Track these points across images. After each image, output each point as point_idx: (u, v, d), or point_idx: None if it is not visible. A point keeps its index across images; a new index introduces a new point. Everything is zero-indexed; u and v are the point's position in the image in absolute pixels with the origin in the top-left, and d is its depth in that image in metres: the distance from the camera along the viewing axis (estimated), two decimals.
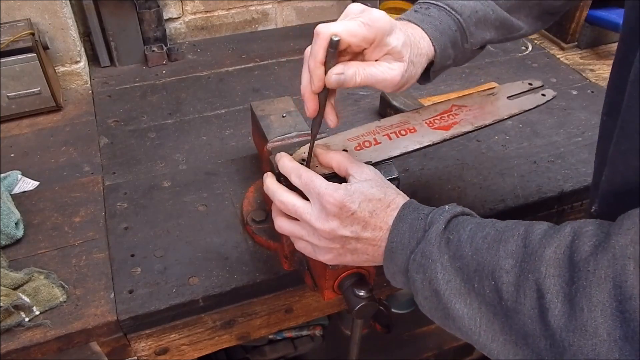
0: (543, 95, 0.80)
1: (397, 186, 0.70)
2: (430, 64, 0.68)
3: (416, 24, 0.66)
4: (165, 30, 1.37)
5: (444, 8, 0.68)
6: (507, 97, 0.79)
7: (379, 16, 0.57)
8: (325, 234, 0.59)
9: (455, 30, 0.67)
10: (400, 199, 0.60)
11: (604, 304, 0.40)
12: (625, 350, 0.39)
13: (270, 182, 0.66)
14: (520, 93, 0.80)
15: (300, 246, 0.65)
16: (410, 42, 0.61)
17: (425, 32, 0.65)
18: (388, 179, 0.69)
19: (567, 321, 0.42)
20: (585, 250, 0.44)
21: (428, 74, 0.69)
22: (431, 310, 0.55)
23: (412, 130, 0.73)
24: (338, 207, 0.58)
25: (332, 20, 0.60)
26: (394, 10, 1.59)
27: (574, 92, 1.28)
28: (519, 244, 0.49)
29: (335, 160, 0.64)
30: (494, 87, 0.83)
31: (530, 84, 0.81)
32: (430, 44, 0.65)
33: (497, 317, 0.48)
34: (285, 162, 0.65)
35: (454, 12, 0.67)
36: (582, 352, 0.41)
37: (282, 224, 0.65)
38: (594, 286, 0.41)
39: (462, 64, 0.75)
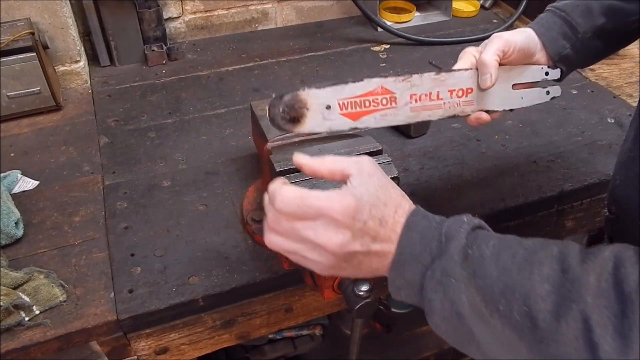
0: (547, 93, 0.80)
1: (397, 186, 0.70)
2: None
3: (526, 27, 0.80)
4: (165, 30, 1.37)
5: (550, 10, 0.81)
6: (513, 85, 0.77)
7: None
8: (334, 249, 0.52)
9: (562, 24, 0.78)
10: (405, 202, 0.56)
11: None
12: None
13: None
14: (529, 83, 0.79)
15: (294, 258, 0.57)
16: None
17: (531, 28, 0.79)
18: None
19: (622, 357, 0.41)
20: (634, 280, 0.42)
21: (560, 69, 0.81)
22: (448, 332, 0.52)
23: (393, 102, 0.70)
24: (350, 216, 0.51)
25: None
26: (394, 10, 1.59)
27: (574, 92, 1.28)
28: (555, 267, 0.46)
29: (326, 166, 0.56)
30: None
31: (547, 74, 0.79)
32: (534, 33, 0.78)
33: (524, 340, 0.46)
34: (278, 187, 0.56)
35: (558, 10, 0.79)
36: None
37: (273, 239, 0.56)
38: None
39: (593, 58, 0.84)
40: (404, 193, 0.57)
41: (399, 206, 0.54)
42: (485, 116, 0.75)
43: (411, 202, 0.57)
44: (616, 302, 0.42)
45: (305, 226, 0.53)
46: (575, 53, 0.80)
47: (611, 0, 0.78)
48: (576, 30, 0.78)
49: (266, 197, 0.57)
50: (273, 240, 0.56)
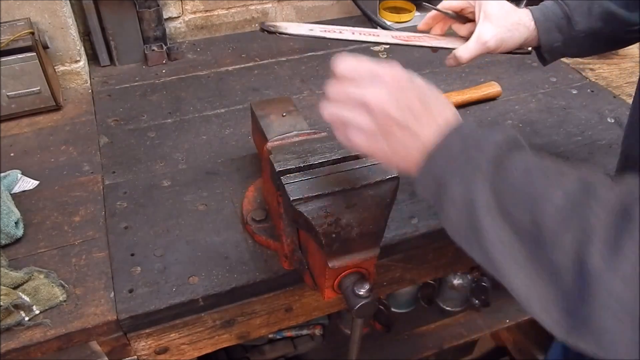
0: None
1: (397, 185, 0.70)
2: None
3: (527, 9, 0.84)
4: (165, 30, 1.37)
5: (556, 0, 0.83)
6: None
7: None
8: (375, 105, 0.55)
9: (562, 18, 0.81)
10: (452, 110, 0.57)
11: None
12: None
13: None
14: None
15: (339, 130, 0.59)
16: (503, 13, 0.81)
17: (532, 13, 0.82)
18: (387, 179, 0.69)
19: (608, 264, 0.41)
20: None
21: (544, 57, 0.86)
22: (457, 223, 0.52)
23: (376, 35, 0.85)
24: (400, 85, 0.55)
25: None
26: (394, 10, 1.59)
27: (574, 92, 1.28)
28: (576, 181, 0.47)
29: (367, 66, 0.57)
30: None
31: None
32: (533, 21, 0.82)
33: (526, 244, 0.47)
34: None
35: (562, 3, 0.82)
36: (615, 291, 0.41)
37: (325, 107, 0.59)
38: None
39: (581, 53, 0.89)
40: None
41: (447, 106, 0.57)
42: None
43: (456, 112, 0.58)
44: (621, 217, 0.43)
45: (356, 85, 0.56)
46: (565, 47, 0.83)
47: (613, 6, 0.80)
48: (572, 27, 0.81)
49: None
50: (325, 107, 0.59)
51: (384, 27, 1.49)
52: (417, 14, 1.59)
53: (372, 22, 1.51)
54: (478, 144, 0.52)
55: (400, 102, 0.54)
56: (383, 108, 0.54)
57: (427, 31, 0.92)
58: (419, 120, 0.54)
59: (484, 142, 0.51)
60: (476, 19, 0.84)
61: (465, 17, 0.89)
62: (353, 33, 0.83)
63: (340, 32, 0.82)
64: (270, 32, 0.77)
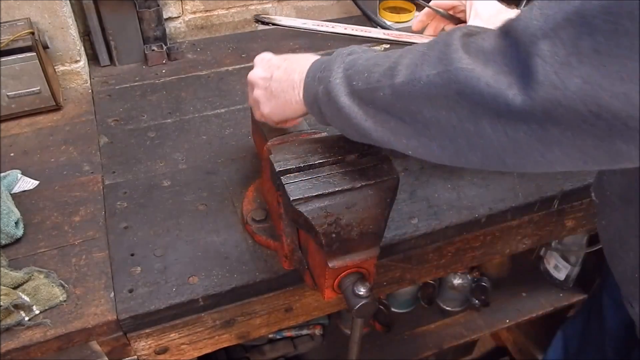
0: None
1: (397, 185, 0.70)
2: None
3: (519, 9, 0.87)
4: (165, 30, 1.37)
5: None
6: None
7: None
8: (254, 79, 0.76)
9: None
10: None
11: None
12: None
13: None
14: None
15: (256, 112, 0.80)
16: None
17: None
18: (387, 179, 0.69)
19: (409, 80, 0.53)
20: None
21: None
22: (330, 116, 0.64)
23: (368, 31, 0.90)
24: (260, 58, 0.78)
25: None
26: (394, 10, 1.59)
27: None
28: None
29: None
30: None
31: None
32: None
33: (369, 104, 0.58)
34: None
35: None
36: (423, 93, 0.52)
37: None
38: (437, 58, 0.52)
39: None
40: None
41: (313, 57, 0.71)
42: None
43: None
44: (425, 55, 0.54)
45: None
46: None
47: None
48: None
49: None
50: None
51: (384, 27, 1.49)
52: (417, 14, 1.59)
53: (372, 22, 1.51)
54: (332, 58, 0.66)
55: (267, 67, 0.75)
56: (257, 76, 0.76)
57: (420, 31, 0.95)
58: (290, 73, 0.71)
59: (336, 55, 0.66)
60: (467, 18, 0.85)
61: (457, 18, 0.90)
62: (345, 28, 0.86)
63: (333, 27, 0.84)
64: (264, 23, 0.83)
